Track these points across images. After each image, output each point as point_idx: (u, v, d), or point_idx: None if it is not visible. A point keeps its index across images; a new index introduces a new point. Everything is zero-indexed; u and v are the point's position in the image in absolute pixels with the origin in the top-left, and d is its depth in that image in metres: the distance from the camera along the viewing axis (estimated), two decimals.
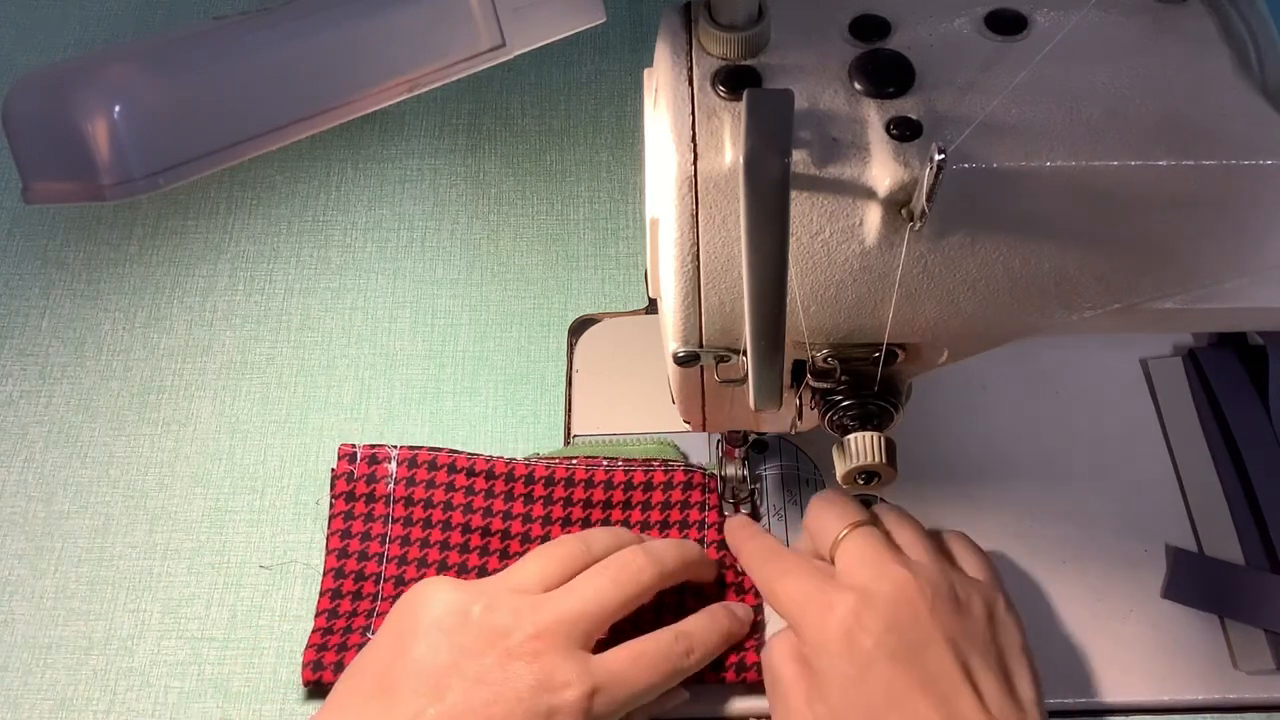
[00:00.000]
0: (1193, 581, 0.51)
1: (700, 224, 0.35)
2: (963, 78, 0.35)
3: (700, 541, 0.52)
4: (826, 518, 0.47)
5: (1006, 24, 0.37)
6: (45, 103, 0.30)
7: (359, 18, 0.33)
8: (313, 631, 0.50)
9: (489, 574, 0.51)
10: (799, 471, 0.55)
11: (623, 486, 0.53)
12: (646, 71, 0.39)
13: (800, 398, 0.41)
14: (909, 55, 0.36)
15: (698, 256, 0.36)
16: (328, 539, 0.53)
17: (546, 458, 0.55)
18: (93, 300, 0.63)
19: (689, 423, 0.47)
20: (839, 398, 0.40)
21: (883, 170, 0.33)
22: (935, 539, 0.48)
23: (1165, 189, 0.34)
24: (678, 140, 0.35)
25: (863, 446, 0.39)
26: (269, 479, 0.56)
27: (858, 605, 0.42)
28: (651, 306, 0.61)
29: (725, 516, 0.53)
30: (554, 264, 0.63)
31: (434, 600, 0.45)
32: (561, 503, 0.53)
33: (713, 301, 0.37)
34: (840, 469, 0.40)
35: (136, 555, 0.54)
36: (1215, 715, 0.49)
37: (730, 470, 0.53)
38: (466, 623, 0.43)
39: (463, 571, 0.52)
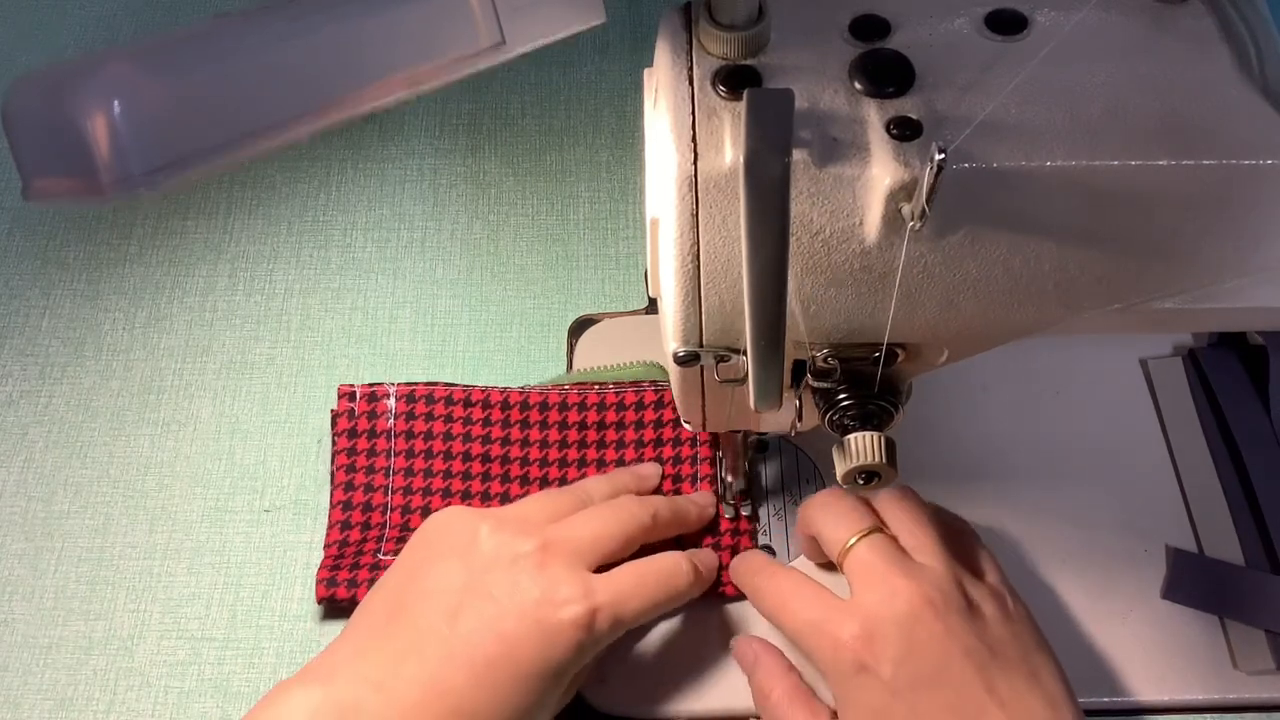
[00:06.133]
0: (1193, 581, 0.51)
1: (700, 224, 0.35)
2: (963, 78, 0.35)
3: (693, 458, 0.54)
4: (833, 524, 0.46)
5: (1006, 24, 0.37)
6: (45, 101, 0.30)
7: (360, 17, 0.33)
8: (323, 559, 0.52)
9: (491, 498, 0.54)
10: (799, 471, 0.55)
11: (615, 407, 0.55)
12: (646, 71, 0.39)
13: (800, 398, 0.41)
14: (909, 55, 0.36)
15: (698, 256, 0.36)
16: (332, 475, 0.54)
17: (539, 386, 0.56)
18: (93, 300, 0.63)
19: (689, 423, 0.47)
20: (839, 397, 0.40)
21: (883, 170, 0.33)
22: (938, 524, 0.47)
23: (1165, 189, 0.34)
24: (678, 140, 0.35)
25: (863, 446, 0.39)
26: (269, 479, 0.56)
27: (867, 634, 0.42)
28: (651, 306, 0.61)
29: (728, 521, 0.53)
30: (554, 264, 0.63)
31: (447, 527, 0.46)
32: (556, 426, 0.55)
33: (713, 301, 0.37)
34: (840, 469, 0.40)
35: (136, 555, 0.54)
36: (1215, 715, 0.49)
37: (730, 470, 0.53)
38: (476, 544, 0.45)
39: (466, 497, 0.54)
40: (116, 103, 0.29)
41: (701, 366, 0.40)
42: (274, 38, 0.32)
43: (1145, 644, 0.50)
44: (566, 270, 0.63)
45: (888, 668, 0.41)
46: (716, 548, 0.52)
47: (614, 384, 0.56)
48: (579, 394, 0.55)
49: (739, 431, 0.51)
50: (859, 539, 0.45)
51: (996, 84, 0.35)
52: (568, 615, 0.43)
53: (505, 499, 0.53)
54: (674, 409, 0.54)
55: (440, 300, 0.62)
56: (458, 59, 0.34)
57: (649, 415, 0.55)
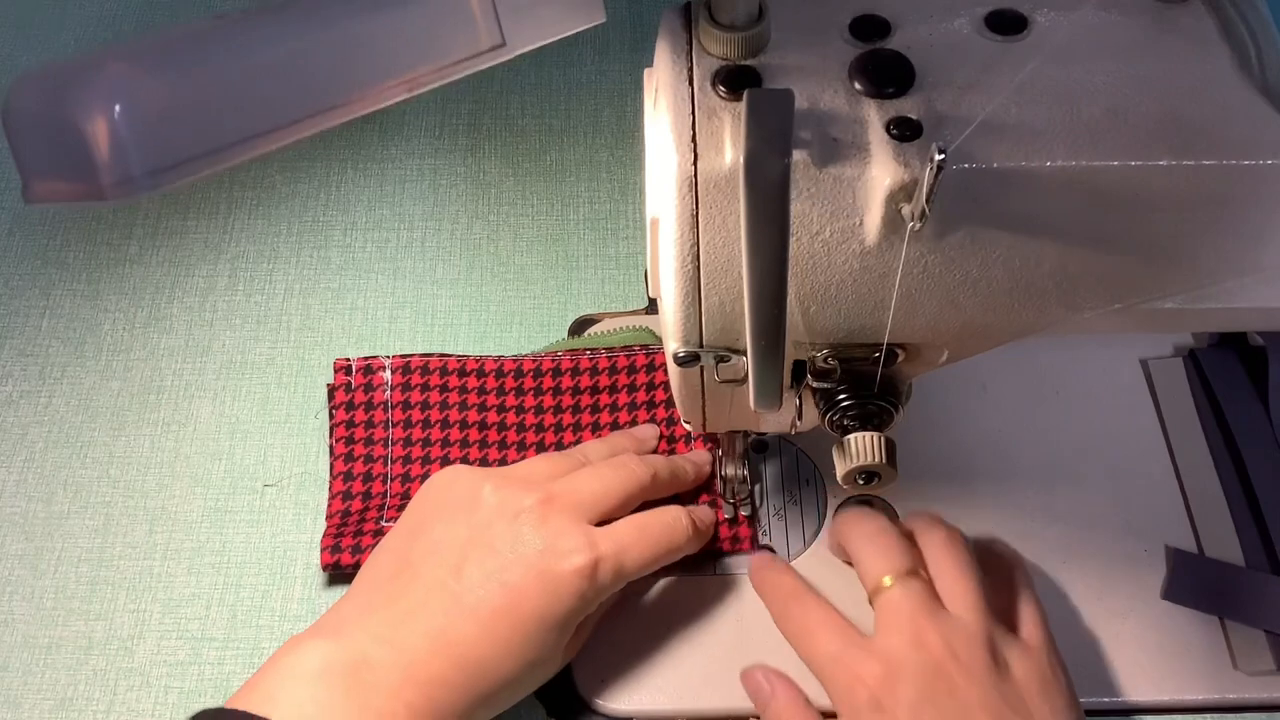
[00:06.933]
0: (1193, 582, 0.51)
1: (700, 224, 0.35)
2: (963, 78, 0.35)
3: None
4: (872, 556, 0.46)
5: (1006, 24, 0.37)
6: (45, 101, 0.30)
7: (360, 17, 0.33)
8: (326, 529, 0.53)
9: (489, 465, 0.54)
10: (799, 471, 0.55)
11: (607, 371, 0.56)
12: (646, 71, 0.39)
13: (800, 398, 0.41)
14: (909, 55, 0.36)
15: (698, 256, 0.36)
16: (331, 447, 0.55)
17: (532, 354, 0.57)
18: (93, 300, 0.62)
19: (689, 423, 0.47)
20: (839, 398, 0.40)
21: (883, 170, 0.33)
22: (978, 574, 0.46)
23: (1165, 189, 0.34)
24: (678, 140, 0.35)
25: (863, 446, 0.39)
26: (269, 479, 0.56)
27: (887, 675, 0.42)
28: (651, 306, 0.61)
29: (727, 520, 0.53)
30: (554, 264, 0.63)
31: (450, 485, 0.47)
32: (551, 392, 0.56)
33: (713, 301, 0.37)
34: (840, 469, 0.40)
35: (136, 555, 0.54)
36: (1215, 715, 0.49)
37: (730, 470, 0.53)
38: (479, 500, 0.46)
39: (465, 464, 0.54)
40: (117, 103, 0.29)
41: (701, 367, 0.40)
42: (274, 38, 0.32)
43: (1145, 644, 0.50)
44: (566, 270, 0.63)
45: (904, 711, 0.41)
46: (713, 505, 0.52)
47: (605, 349, 0.57)
48: (571, 359, 0.56)
49: (739, 431, 0.51)
50: (896, 581, 0.44)
51: (996, 84, 0.35)
52: (570, 565, 0.43)
53: (503, 465, 0.54)
54: (665, 371, 0.54)
55: (440, 300, 0.62)
56: (458, 60, 0.34)
57: (640, 378, 0.56)
